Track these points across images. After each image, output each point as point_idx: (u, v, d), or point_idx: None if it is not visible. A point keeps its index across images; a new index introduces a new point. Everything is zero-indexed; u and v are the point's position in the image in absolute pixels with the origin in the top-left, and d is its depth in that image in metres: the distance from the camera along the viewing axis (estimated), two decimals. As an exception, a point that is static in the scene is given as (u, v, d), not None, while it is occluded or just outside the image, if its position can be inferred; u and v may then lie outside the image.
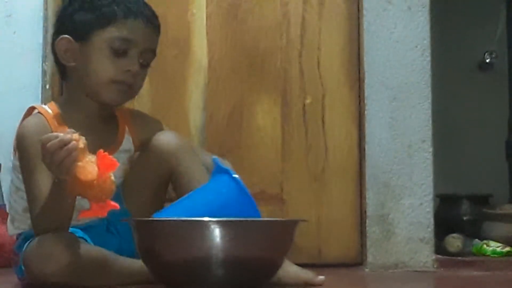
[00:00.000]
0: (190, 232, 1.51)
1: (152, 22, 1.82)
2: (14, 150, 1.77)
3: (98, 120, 1.81)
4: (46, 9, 2.42)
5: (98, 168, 1.48)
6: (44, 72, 2.40)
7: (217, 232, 1.50)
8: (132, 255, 1.70)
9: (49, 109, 1.78)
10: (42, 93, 2.39)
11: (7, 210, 1.89)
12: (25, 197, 1.71)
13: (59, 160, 1.47)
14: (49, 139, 1.48)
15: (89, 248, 1.63)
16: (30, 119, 1.76)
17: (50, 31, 2.40)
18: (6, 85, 2.40)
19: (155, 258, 1.56)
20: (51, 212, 1.60)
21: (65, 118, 1.77)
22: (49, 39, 2.39)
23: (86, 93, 1.79)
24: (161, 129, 1.88)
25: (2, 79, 2.40)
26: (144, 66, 1.81)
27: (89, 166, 1.48)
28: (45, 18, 2.42)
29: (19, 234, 1.78)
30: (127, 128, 1.86)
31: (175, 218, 1.60)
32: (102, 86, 1.76)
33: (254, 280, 1.57)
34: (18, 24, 2.43)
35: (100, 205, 1.51)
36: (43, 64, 2.40)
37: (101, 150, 1.50)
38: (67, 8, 1.83)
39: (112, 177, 1.50)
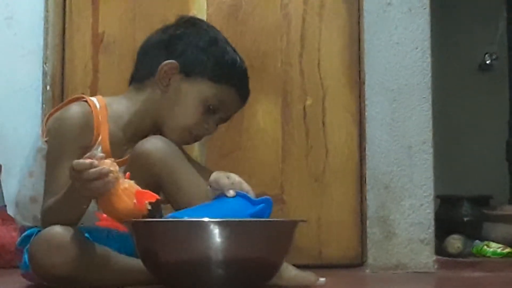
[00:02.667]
0: (189, 233, 1.51)
1: (247, 97, 1.87)
2: (43, 132, 1.74)
3: (139, 136, 1.79)
4: (47, 11, 2.43)
5: (136, 199, 1.50)
6: (45, 74, 2.40)
7: (216, 232, 1.50)
8: (132, 260, 1.71)
9: (97, 102, 1.77)
10: (42, 95, 2.39)
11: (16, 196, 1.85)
12: (36, 184, 1.71)
13: (95, 188, 1.49)
14: (84, 167, 1.48)
15: (94, 244, 1.64)
16: (76, 106, 1.73)
17: (51, 32, 2.41)
18: (7, 86, 2.41)
19: (154, 258, 1.57)
20: (62, 209, 1.61)
21: (111, 117, 1.76)
22: (50, 41, 2.41)
23: (155, 119, 1.79)
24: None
25: (3, 80, 2.41)
26: (218, 124, 1.86)
27: (126, 197, 1.50)
28: (46, 20, 2.42)
29: (22, 229, 1.78)
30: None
31: (174, 219, 1.61)
32: (177, 128, 1.77)
33: (254, 281, 1.57)
34: (19, 26, 2.44)
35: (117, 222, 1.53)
36: (44, 66, 2.41)
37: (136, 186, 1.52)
38: (187, 35, 1.82)
39: (148, 206, 1.52)
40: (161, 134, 1.78)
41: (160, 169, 1.71)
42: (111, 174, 1.48)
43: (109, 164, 1.50)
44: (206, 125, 1.80)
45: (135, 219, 1.58)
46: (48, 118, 1.75)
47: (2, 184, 2.32)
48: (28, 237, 1.71)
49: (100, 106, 1.74)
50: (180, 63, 1.78)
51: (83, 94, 1.83)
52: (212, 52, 1.80)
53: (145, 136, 1.78)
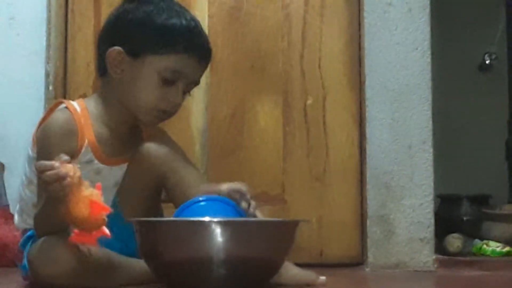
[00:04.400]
0: (191, 232, 1.52)
1: (207, 57, 1.80)
2: (33, 142, 1.75)
3: (124, 126, 1.80)
4: (49, 11, 2.43)
5: (91, 208, 1.47)
6: (47, 74, 2.40)
7: (218, 232, 1.50)
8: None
9: (77, 106, 1.76)
10: (45, 95, 2.39)
11: (18, 202, 1.87)
12: (36, 191, 1.71)
13: (53, 191, 1.47)
14: (45, 168, 1.47)
15: (94, 250, 1.64)
16: (57, 114, 1.72)
17: (53, 33, 2.42)
18: (9, 86, 2.41)
19: (157, 258, 1.57)
20: (44, 216, 1.61)
21: (93, 118, 1.76)
22: (52, 41, 2.42)
23: (125, 105, 1.77)
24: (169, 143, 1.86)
25: (6, 80, 2.41)
26: (185, 93, 1.79)
27: (82, 205, 1.47)
28: (48, 20, 2.43)
29: (25, 231, 1.78)
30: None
31: (176, 219, 1.61)
32: (145, 109, 1.74)
33: (255, 280, 1.58)
34: (22, 26, 2.44)
35: (90, 235, 1.51)
36: (46, 66, 2.41)
37: (97, 192, 1.49)
38: (126, 13, 1.77)
39: (105, 218, 1.49)
40: (134, 115, 1.76)
41: (163, 170, 1.72)
42: (68, 179, 1.45)
43: (69, 169, 1.47)
44: (171, 98, 1.74)
45: (137, 220, 1.59)
46: (38, 128, 1.76)
47: (5, 184, 2.32)
48: (30, 237, 1.72)
49: (80, 109, 1.74)
50: (124, 47, 1.74)
51: (62, 99, 1.83)
52: (149, 24, 1.74)
53: (131, 127, 1.79)
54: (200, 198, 1.67)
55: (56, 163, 1.47)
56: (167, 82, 1.74)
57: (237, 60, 2.40)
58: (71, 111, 1.72)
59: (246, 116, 2.37)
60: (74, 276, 1.56)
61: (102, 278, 1.63)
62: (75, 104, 1.76)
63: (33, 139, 1.75)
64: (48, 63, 2.41)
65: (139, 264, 1.67)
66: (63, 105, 1.74)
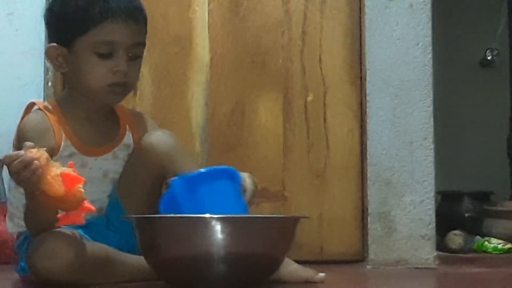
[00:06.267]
0: (191, 229, 1.52)
1: (133, 16, 1.76)
2: (13, 146, 1.76)
3: (99, 116, 1.81)
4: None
5: (64, 184, 1.47)
6: (46, 69, 2.40)
7: (218, 228, 1.50)
8: (132, 252, 1.71)
9: (49, 105, 1.78)
10: (44, 91, 2.39)
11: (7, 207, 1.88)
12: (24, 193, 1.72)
13: (25, 179, 1.47)
14: (11, 159, 1.47)
15: (92, 246, 1.64)
16: (30, 115, 1.75)
17: (52, 28, 2.42)
18: (8, 82, 2.41)
19: (156, 255, 1.57)
20: (35, 217, 1.61)
21: (65, 114, 1.77)
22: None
23: (82, 94, 1.78)
24: (155, 128, 1.87)
25: (5, 76, 2.41)
26: (135, 58, 1.77)
27: (55, 183, 1.47)
28: (47, 16, 2.42)
29: (20, 233, 1.78)
30: (127, 125, 1.85)
31: (176, 215, 1.61)
32: (97, 90, 1.75)
33: (255, 277, 1.58)
34: (20, 22, 2.44)
35: (75, 212, 1.51)
36: (45, 62, 2.40)
37: (68, 168, 1.49)
38: (49, 14, 1.81)
39: (81, 189, 1.49)
40: (97, 101, 1.77)
41: (164, 161, 1.73)
42: (35, 162, 1.45)
43: (34, 152, 1.47)
44: (115, 69, 1.73)
45: (136, 216, 1.59)
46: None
47: (4, 180, 2.32)
48: (27, 238, 1.72)
49: (52, 107, 1.75)
50: (57, 41, 1.76)
51: (33, 101, 1.83)
52: (66, 10, 1.75)
53: (104, 114, 1.81)
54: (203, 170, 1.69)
55: (20, 152, 1.48)
56: (105, 55, 1.73)
57: (237, 55, 2.39)
58: (43, 111, 1.73)
59: (246, 112, 2.37)
60: (72, 271, 1.56)
61: (100, 274, 1.63)
62: (47, 104, 1.78)
63: (13, 143, 1.76)
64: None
65: (138, 261, 1.66)
66: (35, 107, 1.76)
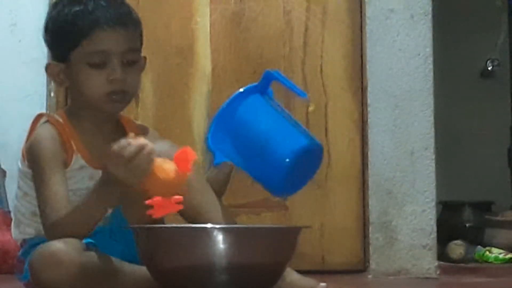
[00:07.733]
0: (192, 239, 1.52)
1: (121, 22, 1.75)
2: (23, 157, 1.76)
3: (106, 127, 1.82)
4: (51, 17, 2.43)
5: (176, 164, 1.50)
6: (49, 80, 2.40)
7: (219, 238, 1.50)
8: (135, 262, 1.70)
9: (59, 117, 1.79)
10: (47, 101, 2.39)
11: (12, 215, 1.89)
12: (33, 201, 1.72)
13: (139, 165, 1.50)
14: (123, 147, 1.51)
15: (96, 256, 1.64)
16: (40, 130, 1.74)
17: (55, 39, 2.43)
18: (11, 93, 2.41)
19: (158, 265, 1.57)
20: (82, 218, 1.61)
21: (75, 127, 1.77)
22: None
23: (86, 106, 1.79)
24: (158, 139, 1.87)
25: (8, 87, 2.41)
26: (131, 65, 1.76)
27: (166, 164, 1.51)
28: (50, 27, 2.43)
29: (24, 241, 1.79)
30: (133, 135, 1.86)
31: (177, 225, 1.61)
32: (97, 100, 1.75)
33: (256, 287, 1.58)
34: (23, 33, 2.44)
35: (169, 201, 1.52)
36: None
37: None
38: (45, 32, 1.82)
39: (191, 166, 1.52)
40: (100, 111, 1.77)
41: None
42: (149, 144, 1.50)
43: (142, 140, 1.52)
44: (110, 77, 1.72)
45: (137, 226, 1.59)
46: (26, 143, 1.77)
47: (7, 190, 2.32)
48: (32, 246, 1.72)
49: (62, 120, 1.77)
50: (54, 58, 1.79)
51: (42, 112, 1.84)
52: (56, 25, 1.77)
53: (110, 124, 1.80)
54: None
55: (129, 140, 1.51)
56: (99, 65, 1.73)
57: (239, 66, 2.40)
58: (53, 124, 1.74)
59: (247, 122, 2.37)
60: (75, 281, 1.56)
61: (104, 284, 1.63)
62: (57, 116, 1.78)
63: (22, 153, 1.76)
64: (49, 69, 2.41)
65: (141, 271, 1.66)
66: (43, 119, 1.77)
